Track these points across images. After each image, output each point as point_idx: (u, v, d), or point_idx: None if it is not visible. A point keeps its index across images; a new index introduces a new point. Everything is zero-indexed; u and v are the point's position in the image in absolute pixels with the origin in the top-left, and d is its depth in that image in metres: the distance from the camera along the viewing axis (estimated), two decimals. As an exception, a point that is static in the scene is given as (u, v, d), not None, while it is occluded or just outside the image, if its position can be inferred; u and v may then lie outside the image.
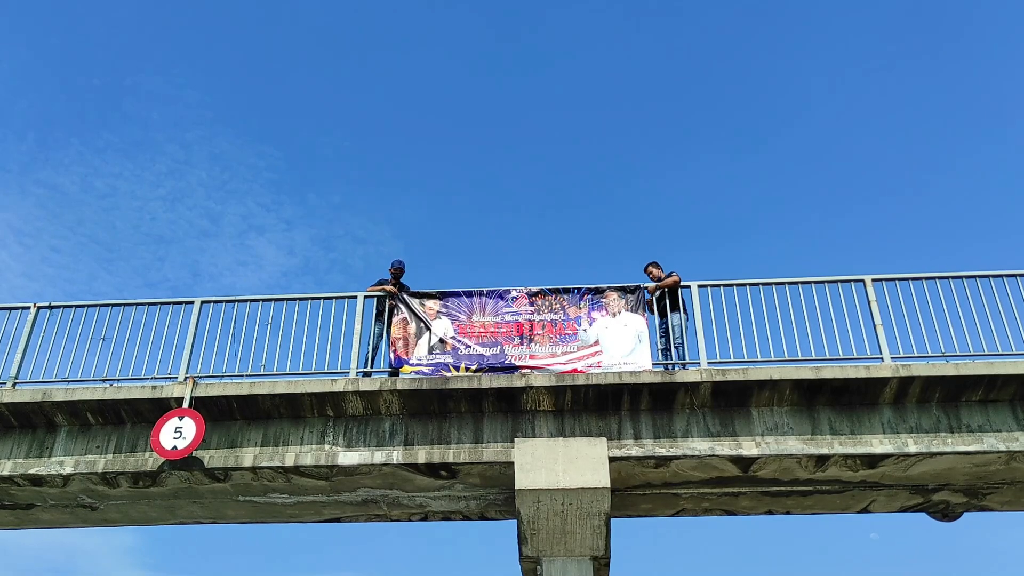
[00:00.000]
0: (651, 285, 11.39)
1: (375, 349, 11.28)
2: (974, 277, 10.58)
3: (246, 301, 11.28)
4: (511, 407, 10.50)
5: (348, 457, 10.28)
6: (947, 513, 11.24)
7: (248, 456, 10.34)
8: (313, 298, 11.24)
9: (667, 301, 11.38)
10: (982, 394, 10.00)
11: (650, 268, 11.76)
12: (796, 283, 10.82)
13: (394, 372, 10.81)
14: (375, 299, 11.38)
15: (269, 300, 11.29)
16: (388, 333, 11.32)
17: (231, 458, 10.35)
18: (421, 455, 10.28)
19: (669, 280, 11.35)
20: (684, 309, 11.28)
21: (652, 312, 11.45)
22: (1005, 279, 10.55)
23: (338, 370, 10.72)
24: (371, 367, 11.09)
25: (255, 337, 10.98)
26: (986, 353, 10.07)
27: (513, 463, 10.09)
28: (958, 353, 10.09)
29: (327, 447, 10.38)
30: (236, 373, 10.72)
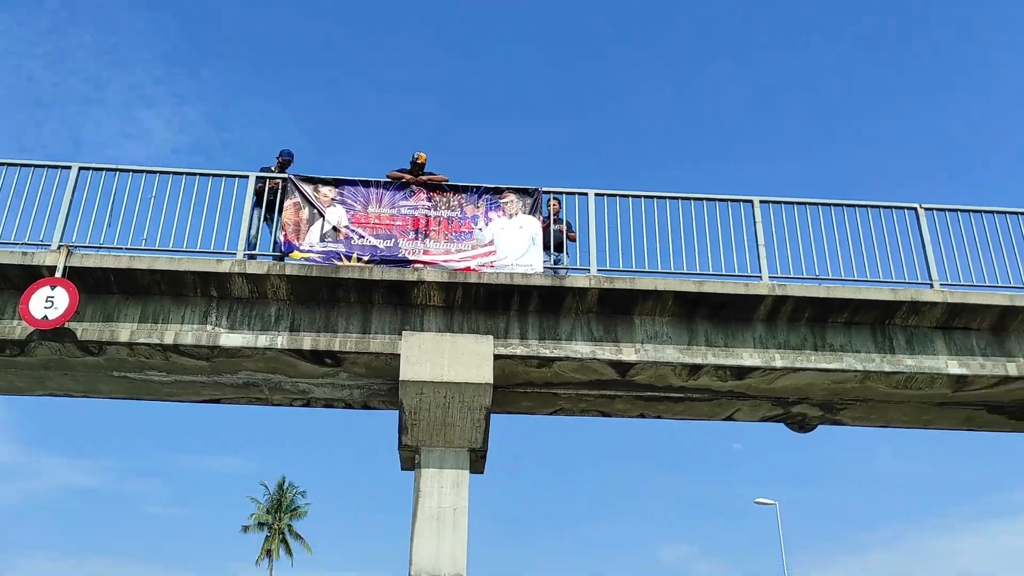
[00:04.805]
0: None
1: (254, 236, 10.94)
2: (853, 206, 11.09)
3: (128, 171, 10.73)
4: (401, 300, 10.51)
5: (231, 339, 10.12)
6: (803, 425, 12.05)
7: (124, 331, 10.03)
8: (201, 174, 10.79)
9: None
10: (847, 317, 10.63)
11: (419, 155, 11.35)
12: (688, 199, 11.07)
13: (280, 257, 10.59)
14: (256, 187, 10.94)
15: (153, 172, 10.77)
16: (271, 220, 11.05)
17: (106, 332, 10.02)
18: (307, 342, 10.21)
19: (439, 177, 11.18)
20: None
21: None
22: (881, 211, 11.11)
23: (224, 251, 10.43)
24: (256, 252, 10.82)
25: (136, 210, 10.51)
26: (855, 279, 10.66)
27: (399, 355, 10.17)
28: (830, 277, 10.64)
29: (209, 328, 10.17)
30: (115, 245, 10.28)
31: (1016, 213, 11.13)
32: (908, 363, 10.51)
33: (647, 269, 10.65)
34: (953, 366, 10.50)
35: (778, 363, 10.52)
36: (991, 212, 11.10)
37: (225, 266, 10.10)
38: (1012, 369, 10.50)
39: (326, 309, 10.46)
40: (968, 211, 11.11)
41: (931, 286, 10.64)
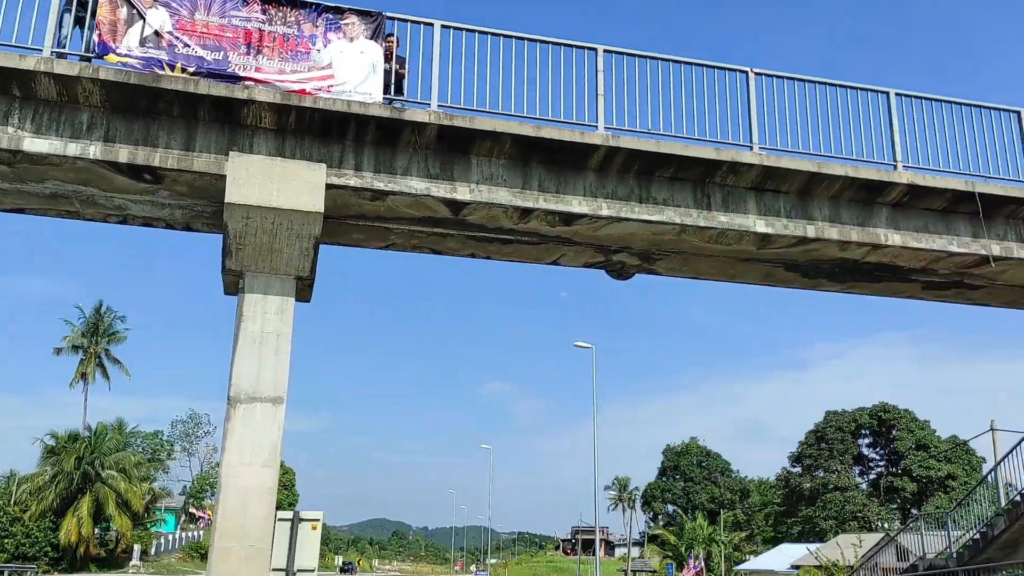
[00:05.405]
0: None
1: (64, 36, 9.86)
2: (690, 64, 11.35)
3: (-91, -59, 9.33)
4: (229, 119, 10.00)
5: (36, 144, 9.34)
6: (622, 272, 12.71)
7: (-92, 126, 9.02)
8: (0, -45, 9.55)
9: None
10: (672, 172, 11.11)
11: None
12: (534, 41, 10.96)
13: (86, 58, 9.66)
14: None
15: (-60, -54, 9.42)
16: (83, 22, 9.97)
17: None
18: (123, 154, 9.60)
19: None
20: None
21: None
22: (716, 71, 11.45)
23: (29, 46, 9.43)
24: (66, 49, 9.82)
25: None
26: (683, 136, 11.07)
27: (225, 176, 9.77)
28: (661, 132, 11.01)
29: (11, 130, 9.32)
30: None
31: (835, 85, 11.77)
32: (721, 220, 11.21)
33: (488, 109, 10.59)
34: (760, 225, 11.30)
35: (605, 212, 10.94)
36: (813, 82, 11.68)
37: (30, 63, 9.18)
38: (811, 231, 11.43)
39: (145, 121, 9.80)
40: (794, 79, 11.64)
41: (751, 148, 11.23)
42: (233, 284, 10.74)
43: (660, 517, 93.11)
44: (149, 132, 9.78)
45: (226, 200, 9.70)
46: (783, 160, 11.17)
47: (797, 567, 43.20)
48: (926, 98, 12.05)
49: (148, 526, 58.49)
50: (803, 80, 11.69)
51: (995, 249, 11.91)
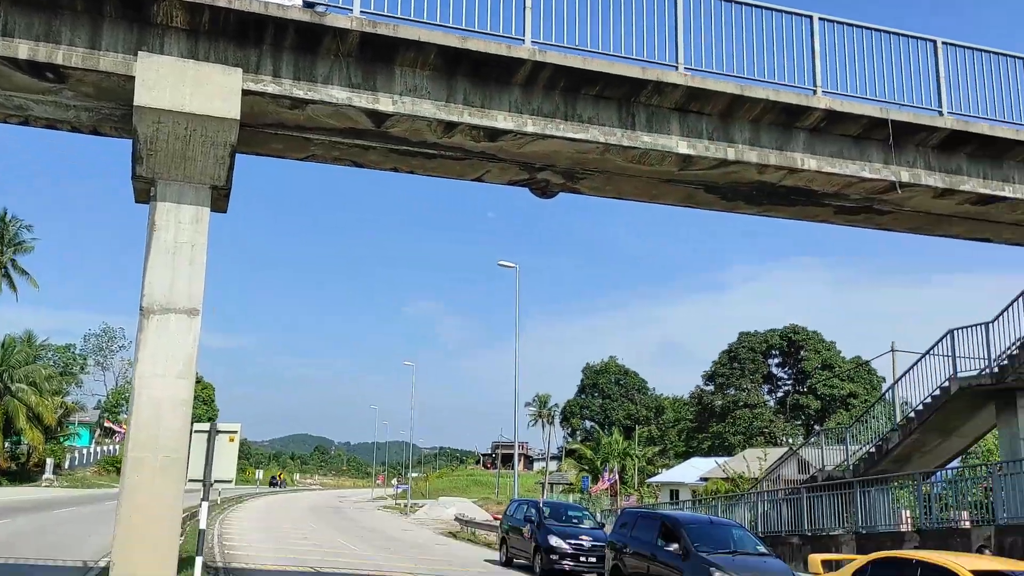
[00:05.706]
0: None
1: None
2: (619, -21, 11.17)
3: None
4: (139, 16, 9.50)
5: (-76, 36, 8.71)
6: (546, 191, 12.70)
7: None
8: None
9: None
10: (598, 90, 11.05)
11: None
12: (463, -53, 10.60)
13: None
14: None
15: None
16: None
17: None
18: (23, 50, 9.06)
19: None
20: None
21: None
22: (644, -12, 11.30)
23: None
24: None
25: None
26: (610, 53, 10.98)
27: (134, 78, 9.32)
28: (588, 48, 10.87)
29: None
30: None
31: (762, 7, 11.71)
32: (645, 140, 11.26)
33: (412, 17, 10.28)
34: (683, 146, 11.39)
35: (530, 128, 10.86)
36: (740, 3, 11.62)
37: (-87, -55, 8.47)
38: (731, 154, 11.58)
39: (47, 15, 9.23)
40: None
41: (676, 69, 11.22)
42: (144, 192, 10.37)
43: (578, 433, 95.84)
44: (51, 27, 9.22)
45: (135, 103, 9.27)
46: (707, 81, 11.21)
47: (706, 479, 45.29)
48: (848, 24, 12.18)
49: (61, 440, 57.40)
50: (730, 0, 11.65)
51: (904, 175, 12.31)
